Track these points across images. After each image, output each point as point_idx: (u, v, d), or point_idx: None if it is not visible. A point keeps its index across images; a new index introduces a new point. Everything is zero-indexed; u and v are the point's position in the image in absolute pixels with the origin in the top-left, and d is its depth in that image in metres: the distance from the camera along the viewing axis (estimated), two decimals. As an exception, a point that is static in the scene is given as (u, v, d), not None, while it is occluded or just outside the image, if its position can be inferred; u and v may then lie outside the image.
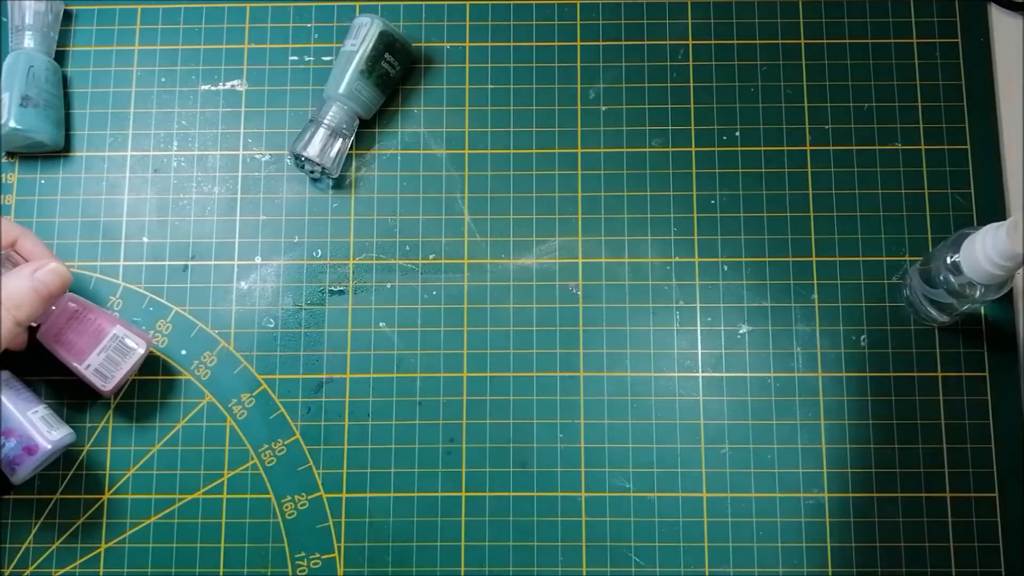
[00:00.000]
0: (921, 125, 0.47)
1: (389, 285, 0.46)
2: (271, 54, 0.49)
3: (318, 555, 0.43)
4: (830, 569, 0.43)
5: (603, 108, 0.48)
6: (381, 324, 0.46)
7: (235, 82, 0.48)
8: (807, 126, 0.47)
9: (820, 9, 0.49)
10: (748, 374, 0.45)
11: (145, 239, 0.47)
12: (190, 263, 0.46)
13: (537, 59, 0.48)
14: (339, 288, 0.46)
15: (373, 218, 0.47)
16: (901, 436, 0.44)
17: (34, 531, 0.44)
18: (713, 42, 0.49)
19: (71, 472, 0.44)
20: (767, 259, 0.46)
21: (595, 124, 0.48)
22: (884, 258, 0.46)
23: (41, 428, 0.40)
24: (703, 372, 0.45)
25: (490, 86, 0.48)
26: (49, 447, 0.40)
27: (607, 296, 0.46)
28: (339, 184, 0.47)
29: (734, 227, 0.46)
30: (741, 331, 0.46)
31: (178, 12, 0.49)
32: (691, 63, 0.48)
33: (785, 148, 0.47)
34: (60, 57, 0.49)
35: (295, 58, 0.49)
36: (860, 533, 0.43)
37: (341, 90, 0.45)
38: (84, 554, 0.43)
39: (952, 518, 0.43)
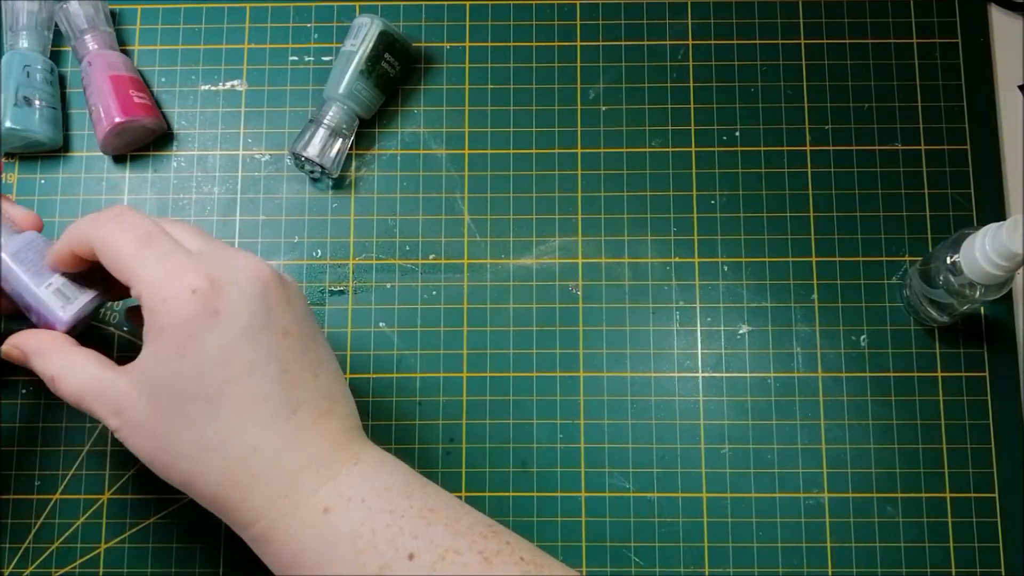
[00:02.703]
0: (921, 125, 0.47)
1: (389, 285, 0.46)
2: (271, 54, 0.49)
3: (318, 555, 0.43)
4: (830, 569, 0.43)
5: (603, 108, 0.48)
6: (381, 324, 0.46)
7: (235, 82, 0.48)
8: (807, 126, 0.47)
9: (820, 9, 0.49)
10: (748, 374, 0.45)
11: (145, 239, 0.47)
12: (190, 263, 0.46)
13: (537, 59, 0.48)
14: (339, 288, 0.46)
15: (373, 218, 0.47)
16: (901, 436, 0.44)
17: (34, 531, 0.44)
18: (713, 42, 0.49)
19: (71, 472, 0.44)
20: (767, 259, 0.46)
21: (595, 124, 0.48)
22: (884, 258, 0.46)
23: (56, 303, 0.36)
24: (703, 372, 0.45)
25: (490, 86, 0.48)
26: (68, 322, 0.36)
27: (607, 296, 0.46)
28: (339, 184, 0.47)
29: (734, 227, 0.46)
30: (741, 331, 0.46)
31: (178, 12, 0.49)
32: (691, 63, 0.48)
33: (785, 148, 0.47)
34: (61, 57, 0.49)
35: (295, 58, 0.49)
36: (860, 533, 0.43)
37: (341, 90, 0.45)
38: (84, 554, 0.43)
39: (952, 518, 0.43)
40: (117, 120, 0.44)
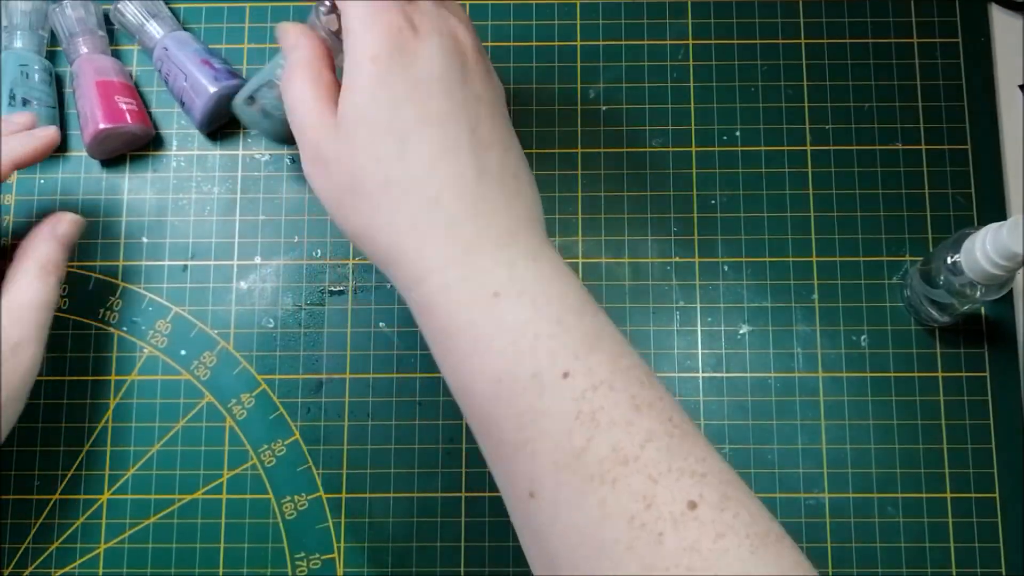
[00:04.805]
0: (922, 125, 0.47)
1: (389, 285, 0.46)
2: (271, 54, 0.49)
3: (318, 556, 0.43)
4: (830, 569, 0.43)
5: (603, 108, 0.48)
6: (381, 324, 0.46)
7: (235, 82, 0.48)
8: (807, 126, 0.47)
9: (820, 9, 0.49)
10: (748, 374, 0.45)
11: (144, 239, 0.47)
12: (189, 263, 0.46)
13: (537, 59, 0.48)
14: (339, 288, 0.46)
15: (373, 218, 0.47)
16: (901, 436, 0.44)
17: (33, 531, 0.43)
18: (713, 42, 0.48)
19: (70, 472, 0.44)
20: (767, 259, 0.46)
21: (595, 124, 0.48)
22: (884, 258, 0.46)
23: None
24: (703, 372, 0.45)
25: (490, 86, 0.48)
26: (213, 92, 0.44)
27: (607, 296, 0.46)
28: (339, 184, 0.47)
29: (734, 227, 0.46)
30: (741, 331, 0.45)
31: (178, 12, 0.49)
32: (691, 63, 0.48)
33: (785, 148, 0.47)
34: (59, 57, 0.48)
35: (295, 58, 0.48)
36: (860, 533, 0.43)
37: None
38: (83, 554, 0.43)
39: (952, 518, 0.43)
40: (101, 127, 0.44)
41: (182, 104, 0.46)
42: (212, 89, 0.44)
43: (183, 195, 0.47)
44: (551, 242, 0.33)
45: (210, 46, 0.47)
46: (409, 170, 0.30)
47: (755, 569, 0.26)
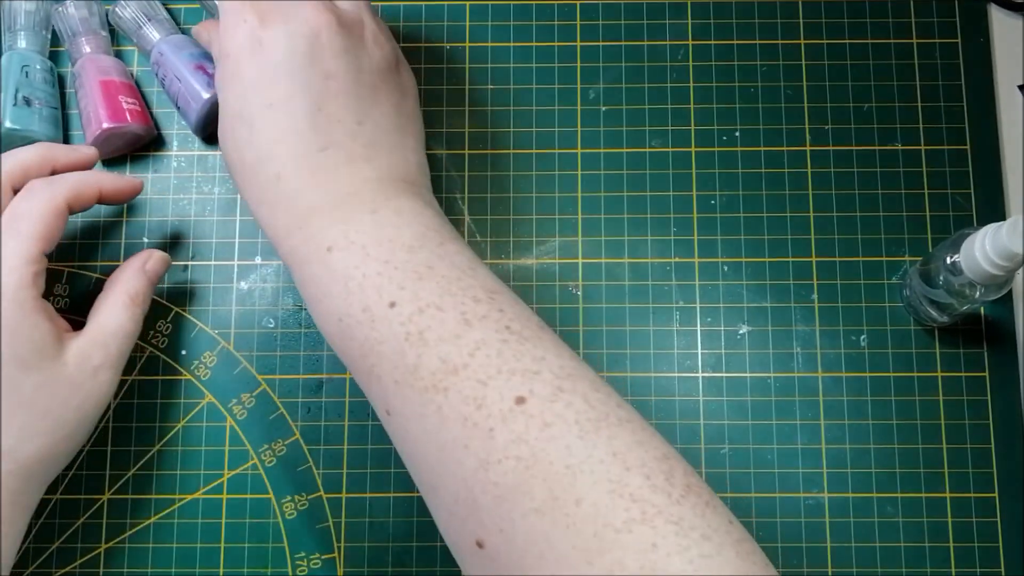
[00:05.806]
0: (921, 125, 0.47)
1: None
2: (271, 54, 0.49)
3: (318, 555, 0.43)
4: (830, 569, 0.43)
5: (603, 108, 0.48)
6: (381, 324, 0.46)
7: (235, 82, 0.48)
8: (807, 126, 0.47)
9: (820, 9, 0.49)
10: (748, 374, 0.45)
11: (145, 239, 0.47)
12: (190, 263, 0.46)
13: (537, 59, 0.48)
14: (339, 288, 0.46)
15: (373, 218, 0.47)
16: (901, 436, 0.44)
17: (34, 531, 0.44)
18: (713, 42, 0.49)
19: (71, 472, 0.44)
20: (767, 259, 0.46)
21: (595, 124, 0.48)
22: (884, 258, 0.46)
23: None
24: (703, 372, 0.45)
25: (490, 86, 0.48)
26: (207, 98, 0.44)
27: (607, 296, 0.46)
28: (339, 184, 0.47)
29: (734, 227, 0.46)
30: (741, 331, 0.46)
31: (178, 12, 0.49)
32: (691, 63, 0.48)
33: (785, 148, 0.47)
34: (60, 57, 0.49)
35: (295, 58, 0.48)
36: (860, 533, 0.43)
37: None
38: (84, 554, 0.43)
39: (952, 518, 0.43)
40: (105, 126, 0.44)
41: (178, 108, 0.46)
42: (205, 95, 0.44)
43: (184, 195, 0.47)
44: (415, 192, 0.36)
45: (210, 46, 0.47)
46: (258, 152, 0.35)
47: (582, 451, 0.28)
